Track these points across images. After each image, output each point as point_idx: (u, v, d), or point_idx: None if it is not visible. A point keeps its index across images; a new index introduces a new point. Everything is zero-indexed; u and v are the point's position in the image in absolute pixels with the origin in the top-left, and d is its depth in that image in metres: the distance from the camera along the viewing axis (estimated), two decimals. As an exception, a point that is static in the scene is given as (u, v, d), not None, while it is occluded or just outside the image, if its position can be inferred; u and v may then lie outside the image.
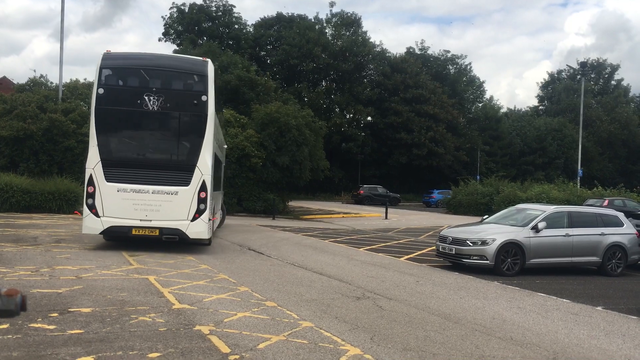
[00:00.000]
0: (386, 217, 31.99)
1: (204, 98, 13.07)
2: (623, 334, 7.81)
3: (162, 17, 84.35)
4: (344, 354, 6.01)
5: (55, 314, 6.92)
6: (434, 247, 14.93)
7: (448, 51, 75.04)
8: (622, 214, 14.78)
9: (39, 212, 22.33)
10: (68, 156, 26.82)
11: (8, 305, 2.50)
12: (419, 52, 71.66)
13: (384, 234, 22.27)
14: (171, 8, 62.68)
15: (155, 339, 6.09)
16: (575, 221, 13.56)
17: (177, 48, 57.40)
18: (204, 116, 13.09)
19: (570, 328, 7.97)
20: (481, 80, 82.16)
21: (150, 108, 12.89)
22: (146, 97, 12.86)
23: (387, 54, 67.99)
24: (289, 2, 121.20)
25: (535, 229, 12.90)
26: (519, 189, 37.72)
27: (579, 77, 64.25)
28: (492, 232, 12.99)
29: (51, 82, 35.45)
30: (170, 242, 13.77)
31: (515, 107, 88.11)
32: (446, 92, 65.68)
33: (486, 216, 16.14)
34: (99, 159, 12.71)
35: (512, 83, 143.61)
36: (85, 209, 12.74)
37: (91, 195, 12.65)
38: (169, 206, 12.72)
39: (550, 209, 13.81)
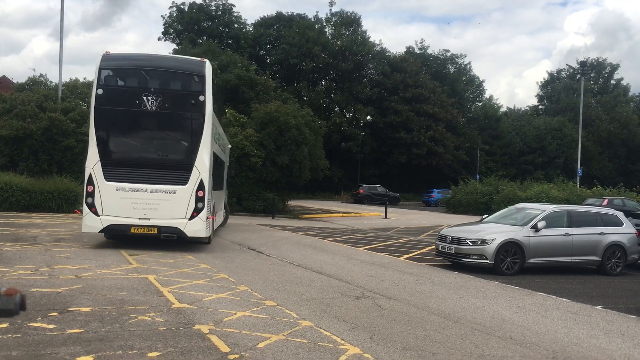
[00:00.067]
0: (386, 217, 31.99)
1: (201, 98, 13.21)
2: (622, 333, 7.81)
3: (161, 16, 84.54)
4: (344, 353, 6.01)
5: (55, 313, 6.92)
6: (433, 247, 14.93)
7: (448, 50, 75.10)
8: (622, 213, 14.78)
9: (38, 212, 22.33)
10: (67, 155, 26.80)
11: (7, 305, 2.50)
12: (418, 52, 71.66)
13: (384, 233, 22.27)
14: (171, 7, 62.76)
15: (155, 338, 6.09)
16: (574, 220, 13.56)
17: (177, 47, 57.39)
18: (201, 116, 13.22)
19: (570, 327, 7.98)
20: (481, 79, 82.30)
21: (149, 108, 13.04)
22: (144, 98, 13.01)
23: (387, 54, 68.04)
24: (288, 2, 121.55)
25: (535, 228, 12.91)
26: (519, 188, 37.72)
27: (578, 76, 64.28)
28: (492, 232, 12.99)
29: (51, 82, 35.46)
30: (170, 241, 13.89)
31: (514, 107, 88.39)
32: (446, 91, 65.67)
33: (486, 215, 16.14)
34: (98, 159, 12.88)
35: (512, 82, 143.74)
36: (85, 208, 12.90)
37: (90, 194, 12.82)
38: (167, 205, 12.86)
39: (550, 208, 13.81)
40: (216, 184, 16.66)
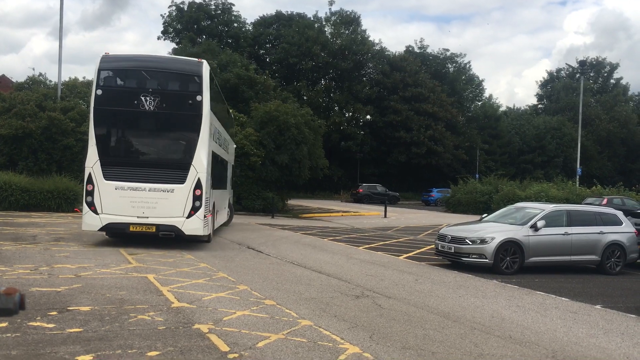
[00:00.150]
0: (385, 216, 32.00)
1: (199, 98, 13.44)
2: (622, 333, 7.82)
3: (161, 15, 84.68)
4: (343, 353, 6.01)
5: (54, 313, 6.92)
6: (433, 246, 14.93)
7: (447, 50, 75.01)
8: (621, 212, 14.78)
9: (37, 211, 22.32)
10: (67, 155, 26.79)
11: (7, 304, 2.50)
12: (418, 51, 71.61)
13: (383, 233, 22.27)
14: (170, 6, 62.65)
15: (155, 338, 6.09)
16: (574, 220, 13.56)
17: (176, 46, 57.30)
18: (199, 116, 13.44)
19: (569, 326, 7.98)
20: (480, 78, 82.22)
21: (147, 108, 13.29)
22: (143, 98, 13.25)
23: (386, 53, 68.00)
24: (288, 1, 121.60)
25: (534, 227, 12.91)
26: (518, 187, 37.72)
27: (578, 75, 64.13)
28: (491, 231, 12.99)
29: (50, 81, 35.47)
30: (170, 240, 14.01)
31: (514, 106, 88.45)
32: (445, 90, 65.65)
33: (485, 215, 16.15)
34: (98, 158, 13.12)
35: (511, 82, 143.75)
36: (85, 207, 13.16)
37: (90, 193, 13.07)
38: (165, 203, 13.08)
39: (549, 207, 13.82)
40: (218, 183, 16.73)
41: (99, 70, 13.47)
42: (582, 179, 47.75)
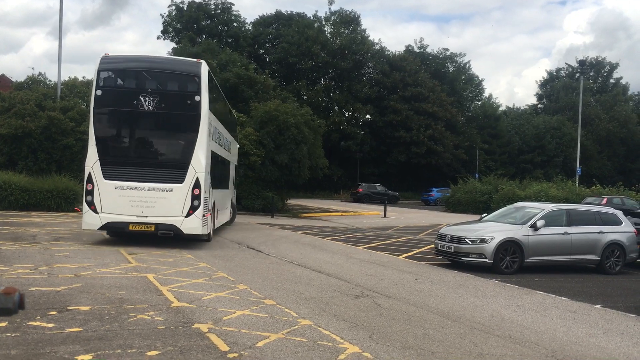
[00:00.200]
0: (385, 216, 32.00)
1: (197, 98, 13.58)
2: (621, 332, 7.82)
3: (160, 15, 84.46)
4: (343, 352, 6.01)
5: (54, 312, 6.92)
6: (432, 245, 14.93)
7: (447, 49, 74.94)
8: (621, 212, 14.78)
9: (37, 210, 22.31)
10: (66, 154, 26.78)
11: (6, 304, 2.50)
12: (417, 51, 71.56)
13: (383, 232, 22.27)
14: (170, 6, 62.58)
15: (154, 337, 6.09)
16: (573, 219, 13.56)
17: (176, 46, 57.27)
18: (197, 116, 13.57)
19: (569, 326, 7.98)
20: (480, 78, 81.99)
21: (146, 108, 13.45)
22: (142, 98, 13.41)
23: (386, 52, 67.96)
24: (287, 0, 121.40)
25: (534, 227, 12.90)
26: (518, 187, 37.72)
27: (577, 75, 64.08)
28: (491, 230, 13.00)
29: (50, 80, 35.40)
30: (170, 240, 14.07)
31: (514, 106, 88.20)
32: (445, 90, 65.62)
33: (485, 214, 16.17)
34: (97, 158, 13.27)
35: (511, 81, 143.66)
36: (85, 206, 13.33)
37: (90, 193, 13.23)
38: (164, 203, 13.21)
39: (549, 207, 13.81)
40: (219, 183, 16.79)
41: (99, 71, 13.65)
42: (582, 179, 47.75)
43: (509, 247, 12.61)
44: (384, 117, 61.41)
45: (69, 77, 36.77)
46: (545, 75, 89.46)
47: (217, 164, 16.50)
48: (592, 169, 65.24)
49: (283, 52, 60.77)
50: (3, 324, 6.20)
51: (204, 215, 13.59)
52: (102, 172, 13.17)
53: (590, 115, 70.69)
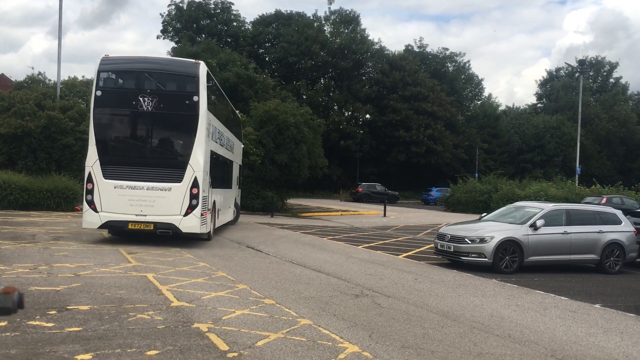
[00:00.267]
0: (384, 215, 32.00)
1: (195, 98, 13.73)
2: (621, 332, 7.82)
3: (160, 14, 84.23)
4: (343, 352, 6.01)
5: (54, 312, 6.91)
6: (432, 245, 14.94)
7: (447, 49, 74.85)
8: (620, 211, 14.79)
9: (37, 210, 22.30)
10: (66, 154, 26.77)
11: (5, 303, 2.50)
12: (417, 50, 71.52)
13: (383, 232, 22.28)
14: (169, 5, 62.51)
15: (154, 337, 6.09)
16: (573, 219, 13.56)
17: (176, 45, 57.25)
18: (195, 116, 13.71)
19: (569, 325, 7.98)
20: (480, 78, 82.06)
21: (145, 109, 13.63)
22: (141, 99, 13.59)
23: (386, 52, 67.94)
24: (287, 0, 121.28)
25: (534, 226, 12.91)
26: (517, 186, 37.74)
27: (577, 74, 64.03)
28: (491, 230, 13.00)
29: (49, 80, 35.37)
30: (169, 239, 14.14)
31: (513, 105, 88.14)
32: (445, 89, 65.58)
33: (484, 214, 16.16)
34: (97, 158, 13.44)
35: (511, 81, 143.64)
36: (85, 205, 13.52)
37: (90, 192, 13.41)
38: (163, 202, 13.38)
39: (549, 206, 13.82)
40: (219, 182, 16.86)
41: (99, 72, 13.85)
42: (582, 178, 47.74)
43: (508, 246, 12.61)
44: (383, 117, 61.41)
45: (69, 77, 36.75)
46: (544, 74, 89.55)
47: (218, 164, 16.58)
48: (592, 169, 65.25)
49: (283, 52, 60.76)
50: (3, 324, 6.20)
51: (202, 214, 13.72)
52: (102, 171, 13.34)
53: (589, 114, 70.69)
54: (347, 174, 59.71)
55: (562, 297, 10.16)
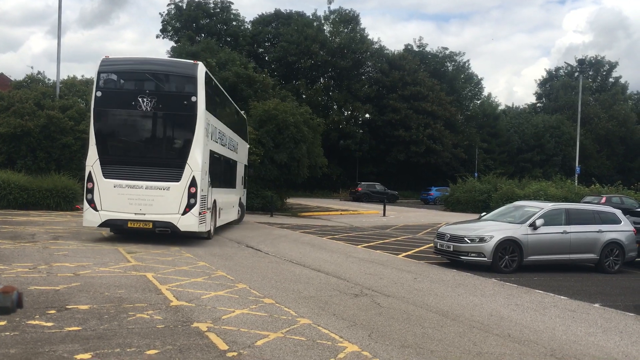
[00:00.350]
0: (384, 215, 32.00)
1: (193, 99, 13.89)
2: (620, 331, 7.83)
3: (159, 13, 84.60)
4: (342, 351, 6.02)
5: (53, 311, 6.91)
6: (431, 244, 14.94)
7: (446, 48, 74.84)
8: (620, 211, 14.80)
9: (36, 209, 22.30)
10: (66, 153, 26.76)
11: (4, 302, 2.50)
12: (417, 49, 71.50)
13: (382, 231, 22.28)
14: (169, 5, 62.50)
15: (153, 336, 6.09)
16: (572, 218, 13.56)
17: (175, 45, 57.22)
18: (194, 116, 13.86)
19: (568, 325, 7.99)
20: (479, 77, 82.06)
21: (145, 109, 13.82)
22: (141, 99, 13.77)
23: (385, 51, 67.93)
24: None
25: (533, 226, 12.91)
26: (517, 186, 37.73)
27: (577, 74, 63.99)
28: (490, 229, 13.00)
29: (48, 79, 35.30)
30: (169, 239, 14.24)
31: (513, 105, 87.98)
32: (444, 89, 65.57)
33: (484, 213, 16.16)
34: (97, 157, 13.61)
35: (510, 80, 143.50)
36: (85, 204, 13.73)
37: (90, 191, 13.60)
38: (162, 201, 13.55)
39: (548, 206, 13.82)
40: (221, 182, 16.95)
41: (99, 73, 14.05)
42: (581, 178, 47.75)
43: (508, 246, 12.62)
44: (383, 116, 61.39)
45: (68, 76, 36.76)
46: (544, 74, 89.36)
47: (219, 164, 16.66)
48: (591, 168, 65.24)
49: (282, 51, 60.75)
50: (2, 323, 6.20)
51: (200, 213, 13.84)
52: (102, 171, 13.50)
53: (589, 114, 70.71)
54: (346, 173, 59.74)
55: (562, 297, 10.17)
